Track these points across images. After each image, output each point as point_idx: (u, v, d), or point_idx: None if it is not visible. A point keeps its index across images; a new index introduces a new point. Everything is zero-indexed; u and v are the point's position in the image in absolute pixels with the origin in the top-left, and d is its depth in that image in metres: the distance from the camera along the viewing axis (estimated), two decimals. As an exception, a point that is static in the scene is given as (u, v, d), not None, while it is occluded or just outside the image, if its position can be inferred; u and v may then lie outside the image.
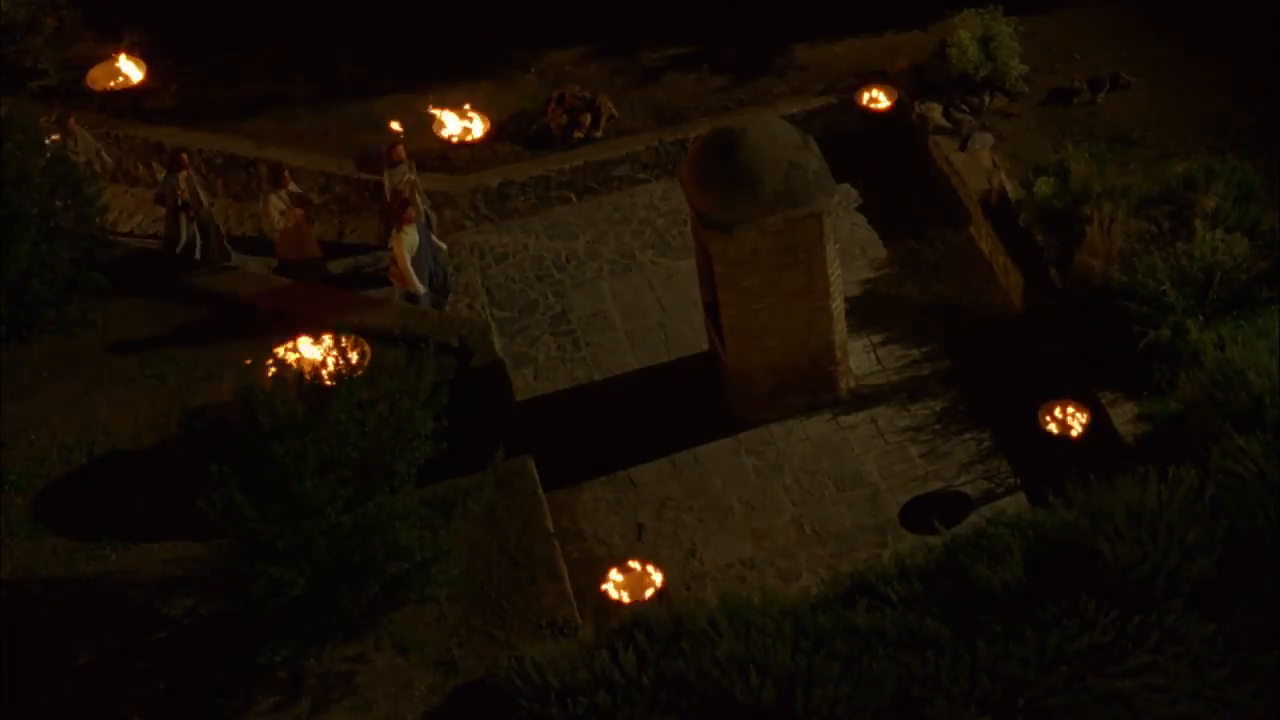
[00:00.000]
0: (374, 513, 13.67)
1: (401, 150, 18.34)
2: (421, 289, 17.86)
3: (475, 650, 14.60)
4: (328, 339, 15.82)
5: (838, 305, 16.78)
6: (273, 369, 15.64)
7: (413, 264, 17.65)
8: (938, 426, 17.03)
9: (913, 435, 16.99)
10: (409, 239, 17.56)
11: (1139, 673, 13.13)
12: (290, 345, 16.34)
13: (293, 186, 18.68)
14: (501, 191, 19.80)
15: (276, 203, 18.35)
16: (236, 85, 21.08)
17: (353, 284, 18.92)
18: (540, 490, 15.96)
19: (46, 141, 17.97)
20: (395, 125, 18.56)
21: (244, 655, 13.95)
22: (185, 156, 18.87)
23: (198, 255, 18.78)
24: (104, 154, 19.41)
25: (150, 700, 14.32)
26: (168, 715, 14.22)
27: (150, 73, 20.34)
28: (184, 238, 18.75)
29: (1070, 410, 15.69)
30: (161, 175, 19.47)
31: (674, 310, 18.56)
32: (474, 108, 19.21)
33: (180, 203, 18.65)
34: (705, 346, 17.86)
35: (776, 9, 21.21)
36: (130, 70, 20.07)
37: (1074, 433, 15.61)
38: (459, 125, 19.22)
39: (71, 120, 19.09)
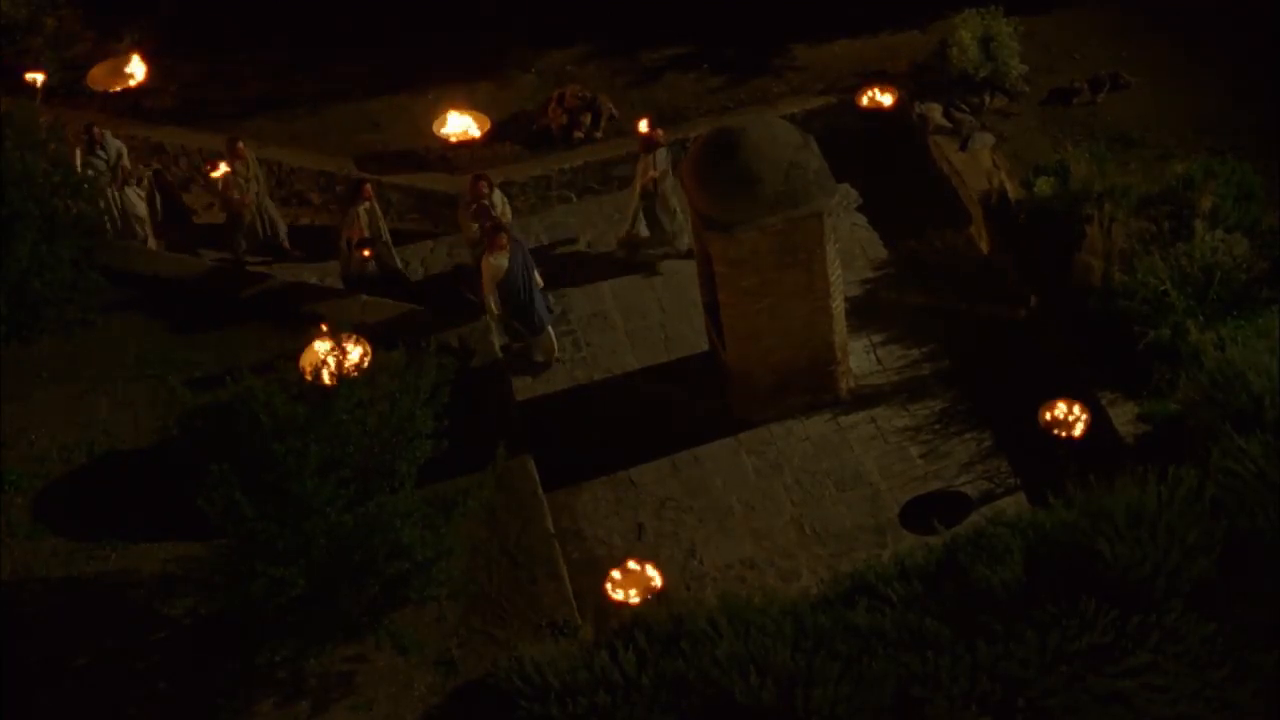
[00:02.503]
0: (374, 512, 13.68)
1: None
2: (495, 310, 17.47)
3: (475, 650, 14.61)
4: (329, 339, 15.80)
5: (838, 305, 16.78)
6: (274, 368, 15.64)
7: (500, 288, 17.30)
8: (938, 426, 17.03)
9: (913, 435, 16.99)
10: (496, 263, 17.22)
11: (1139, 673, 13.13)
12: (291, 345, 16.34)
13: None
14: (502, 191, 19.77)
15: (363, 215, 18.22)
16: (236, 85, 21.10)
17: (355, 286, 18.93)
18: (540, 490, 15.96)
19: (77, 158, 18.12)
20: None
21: (244, 655, 13.96)
22: (369, 186, 18.45)
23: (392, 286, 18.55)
24: (125, 158, 19.39)
25: (150, 700, 14.32)
26: (168, 715, 14.23)
27: (150, 73, 20.36)
28: (367, 276, 18.42)
29: (1070, 410, 15.68)
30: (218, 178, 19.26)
31: (674, 310, 18.56)
32: (474, 108, 19.25)
33: (357, 240, 18.24)
34: (705, 346, 17.85)
35: (776, 9, 21.21)
36: (132, 69, 20.09)
37: (1074, 433, 15.60)
38: (459, 125, 19.29)
39: (97, 129, 19.08)
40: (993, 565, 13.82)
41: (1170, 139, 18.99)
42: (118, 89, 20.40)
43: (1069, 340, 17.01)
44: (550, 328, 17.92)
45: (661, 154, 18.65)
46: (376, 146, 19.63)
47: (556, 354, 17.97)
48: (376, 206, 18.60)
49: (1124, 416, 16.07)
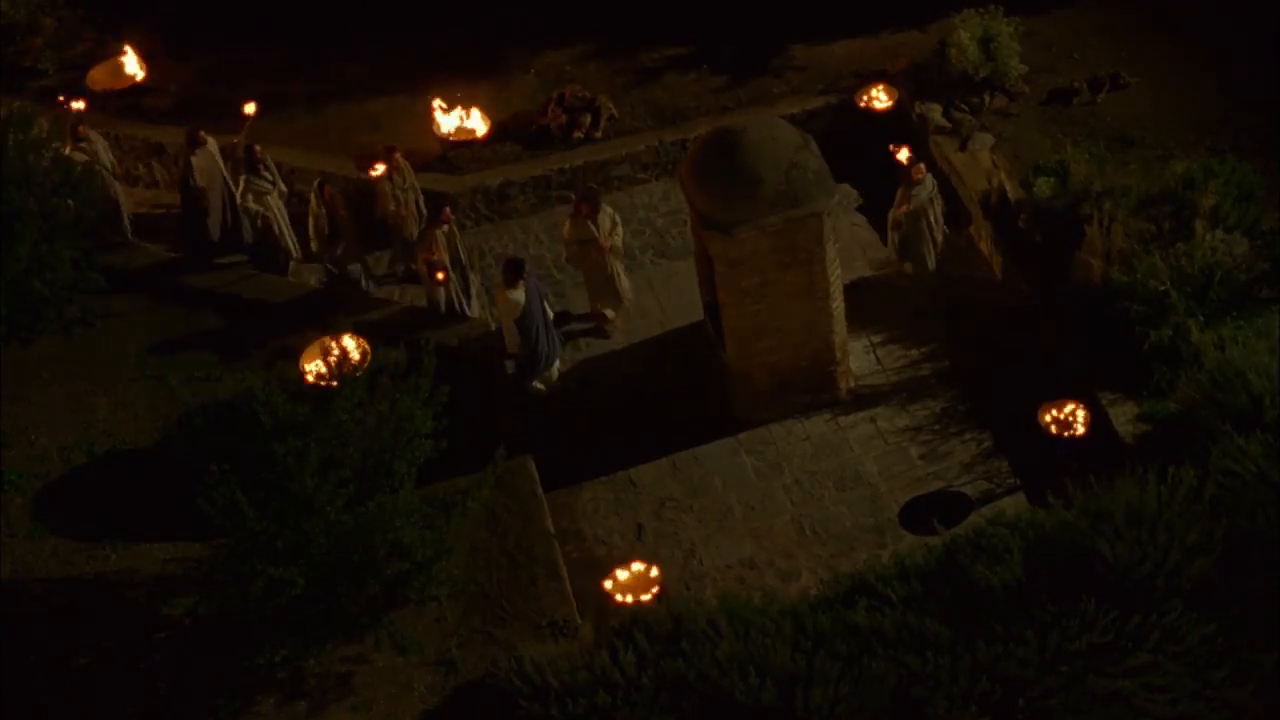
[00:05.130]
0: (374, 512, 13.68)
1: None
2: (517, 345, 17.25)
3: (475, 650, 14.61)
4: (329, 339, 15.82)
5: (838, 305, 16.78)
6: (274, 368, 15.66)
7: (518, 324, 17.06)
8: (938, 426, 17.03)
9: (913, 435, 16.99)
10: (514, 299, 16.94)
11: (1139, 673, 13.12)
12: (291, 345, 16.36)
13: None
14: (501, 191, 19.80)
15: (441, 239, 17.76)
16: (236, 85, 21.07)
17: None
18: (540, 490, 15.97)
19: (66, 150, 18.01)
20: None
21: (244, 655, 13.95)
22: (449, 209, 17.91)
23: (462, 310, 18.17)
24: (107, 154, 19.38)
25: (150, 700, 14.32)
26: (168, 715, 14.23)
27: (150, 73, 20.36)
28: (442, 300, 18.02)
29: (1070, 410, 15.68)
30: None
31: (674, 310, 18.55)
32: (473, 107, 19.23)
33: (437, 262, 17.75)
34: (705, 338, 17.84)
35: (776, 9, 21.21)
36: (131, 69, 20.09)
37: (1074, 433, 15.59)
38: (459, 124, 19.26)
39: (81, 127, 19.05)
40: (992, 565, 13.82)
41: (1170, 139, 18.98)
42: (118, 89, 20.39)
43: (1069, 340, 17.00)
44: (557, 362, 17.82)
45: (928, 181, 18.08)
46: (376, 146, 19.57)
47: (555, 381, 17.88)
48: (456, 230, 18.13)
49: (1124, 416, 16.07)
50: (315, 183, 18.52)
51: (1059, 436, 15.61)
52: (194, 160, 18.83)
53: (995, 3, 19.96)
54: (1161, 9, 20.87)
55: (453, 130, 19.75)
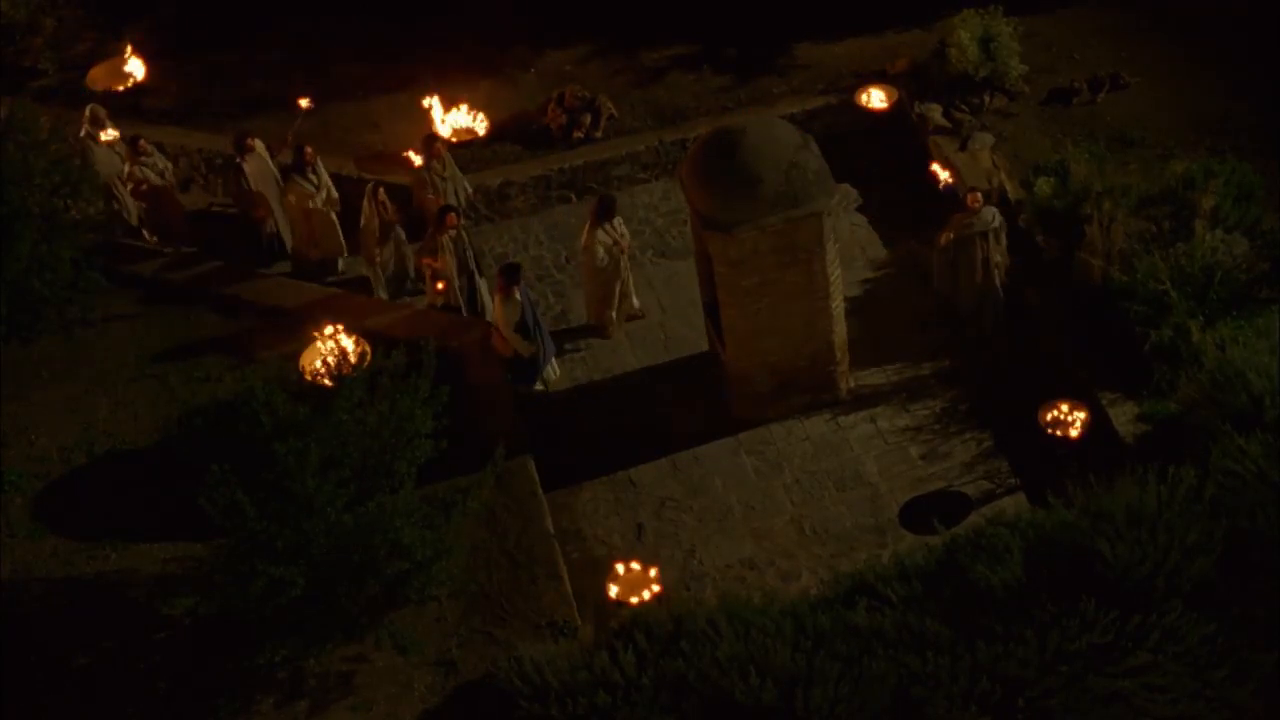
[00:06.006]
0: (374, 512, 13.68)
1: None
2: (527, 349, 17.16)
3: (475, 650, 14.60)
4: (329, 339, 15.82)
5: (838, 305, 16.78)
6: (274, 368, 15.67)
7: (519, 329, 17.02)
8: (938, 426, 17.03)
9: (913, 435, 16.99)
10: (511, 306, 16.83)
11: (1139, 673, 13.12)
12: (291, 345, 16.36)
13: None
14: (501, 191, 19.81)
15: (447, 244, 17.60)
16: (236, 85, 21.10)
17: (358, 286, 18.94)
18: (540, 490, 15.96)
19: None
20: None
21: (244, 655, 13.95)
22: (454, 215, 17.65)
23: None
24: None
25: (150, 700, 14.32)
26: (168, 715, 14.23)
27: (150, 72, 20.36)
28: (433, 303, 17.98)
29: (1070, 410, 15.68)
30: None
31: (674, 310, 18.56)
32: (474, 107, 19.23)
33: (440, 270, 17.62)
34: (705, 346, 17.85)
35: (776, 9, 21.22)
36: (132, 69, 20.09)
37: (1074, 433, 15.60)
38: (460, 124, 19.25)
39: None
40: (992, 565, 13.82)
41: (1170, 139, 18.99)
42: (118, 89, 20.39)
43: (1069, 340, 17.00)
44: (554, 359, 17.83)
45: (985, 212, 17.05)
46: (376, 146, 19.61)
47: (556, 380, 17.85)
48: (465, 235, 17.99)
49: (1124, 416, 16.07)
50: (368, 185, 18.36)
51: (1059, 436, 15.61)
52: (245, 166, 18.73)
53: (995, 3, 19.97)
54: (1161, 9, 20.88)
55: (452, 131, 19.73)
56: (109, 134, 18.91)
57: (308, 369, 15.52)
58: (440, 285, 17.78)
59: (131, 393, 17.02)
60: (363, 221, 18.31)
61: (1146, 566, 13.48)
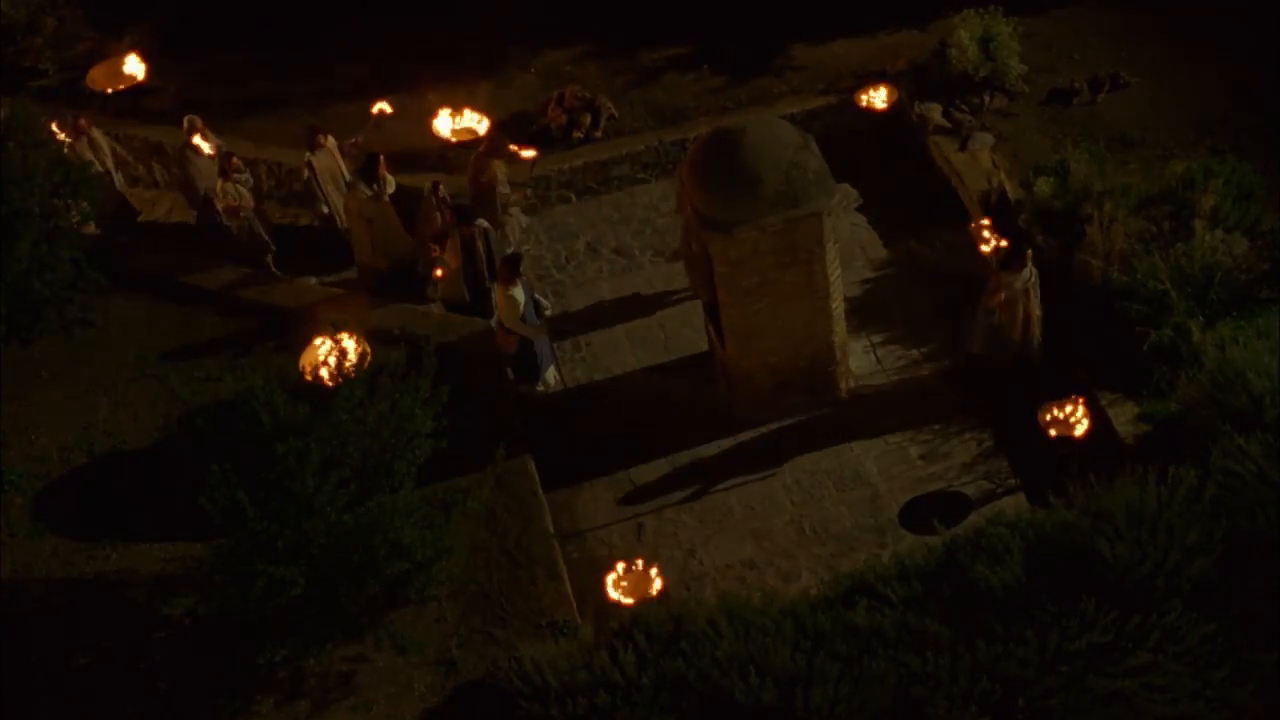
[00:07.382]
0: (374, 512, 13.68)
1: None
2: (537, 333, 17.09)
3: (475, 650, 14.61)
4: (329, 339, 15.81)
5: (838, 305, 16.77)
6: (275, 368, 15.64)
7: (524, 319, 16.94)
8: (937, 426, 17.03)
9: (912, 435, 16.98)
10: (512, 297, 16.71)
11: (1139, 673, 13.13)
12: (291, 345, 16.35)
13: None
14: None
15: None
16: (236, 85, 21.08)
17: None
18: (540, 490, 15.96)
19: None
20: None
21: (244, 655, 13.96)
22: (464, 226, 17.56)
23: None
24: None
25: (150, 700, 14.33)
26: (168, 715, 14.23)
27: (150, 72, 20.34)
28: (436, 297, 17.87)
29: (1070, 410, 15.68)
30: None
31: (674, 310, 18.55)
32: (474, 108, 19.20)
33: (440, 259, 17.46)
34: (705, 346, 17.85)
35: (776, 9, 21.21)
36: (132, 69, 20.07)
37: (1074, 433, 15.60)
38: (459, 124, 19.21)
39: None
40: (992, 565, 13.83)
41: (1170, 139, 18.98)
42: (118, 89, 20.37)
43: (1069, 340, 17.00)
44: (553, 366, 17.80)
45: (1026, 270, 16.52)
46: (376, 146, 19.57)
47: (556, 380, 17.84)
48: (486, 242, 17.87)
49: (1124, 416, 16.07)
50: (429, 184, 18.09)
51: (1059, 436, 15.61)
52: (314, 162, 18.53)
53: (995, 3, 19.96)
54: (1161, 9, 20.86)
55: (453, 131, 19.69)
56: (209, 146, 18.72)
57: (308, 369, 15.50)
58: (439, 272, 17.73)
59: (131, 393, 17.02)
60: (422, 221, 17.99)
61: (1146, 566, 13.49)
